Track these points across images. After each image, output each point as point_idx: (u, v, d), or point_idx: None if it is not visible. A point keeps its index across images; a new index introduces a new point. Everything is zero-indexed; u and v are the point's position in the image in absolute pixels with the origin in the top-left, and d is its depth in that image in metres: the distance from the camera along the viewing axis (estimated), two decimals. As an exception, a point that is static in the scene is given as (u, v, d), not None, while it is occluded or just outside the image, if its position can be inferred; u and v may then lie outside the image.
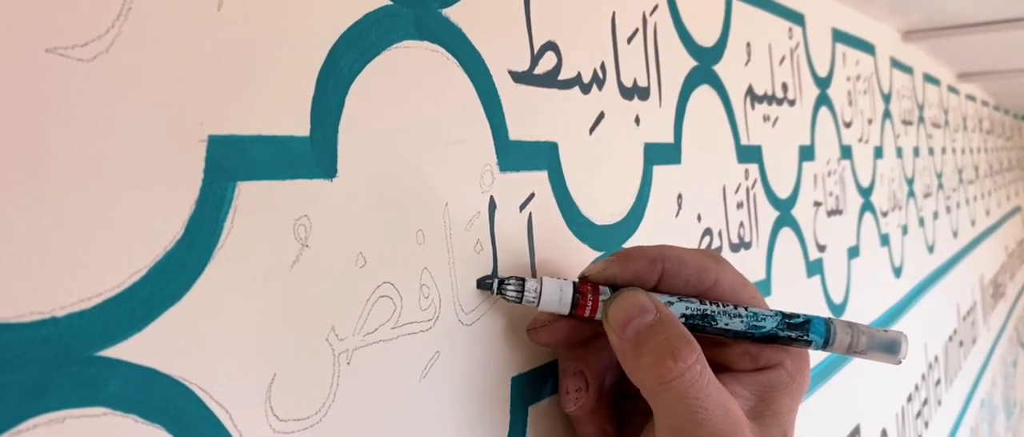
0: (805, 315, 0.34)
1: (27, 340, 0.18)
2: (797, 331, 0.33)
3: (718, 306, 0.32)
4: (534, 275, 0.34)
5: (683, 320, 0.32)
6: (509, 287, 0.31)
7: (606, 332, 0.31)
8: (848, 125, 0.80)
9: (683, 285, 0.32)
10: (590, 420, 0.34)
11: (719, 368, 0.33)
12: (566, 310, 0.31)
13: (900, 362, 0.34)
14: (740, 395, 0.32)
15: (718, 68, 0.53)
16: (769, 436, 0.31)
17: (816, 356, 0.67)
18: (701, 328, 0.32)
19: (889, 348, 0.34)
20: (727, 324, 0.32)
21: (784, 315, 0.33)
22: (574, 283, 0.32)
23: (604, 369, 0.34)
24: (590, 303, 0.31)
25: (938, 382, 1.09)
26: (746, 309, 0.33)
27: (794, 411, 0.33)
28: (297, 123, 0.25)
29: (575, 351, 0.34)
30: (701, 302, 0.32)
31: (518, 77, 0.34)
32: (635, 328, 0.30)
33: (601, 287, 0.32)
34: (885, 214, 0.90)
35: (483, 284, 0.32)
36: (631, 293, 0.31)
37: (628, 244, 0.41)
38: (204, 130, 0.22)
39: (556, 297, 0.31)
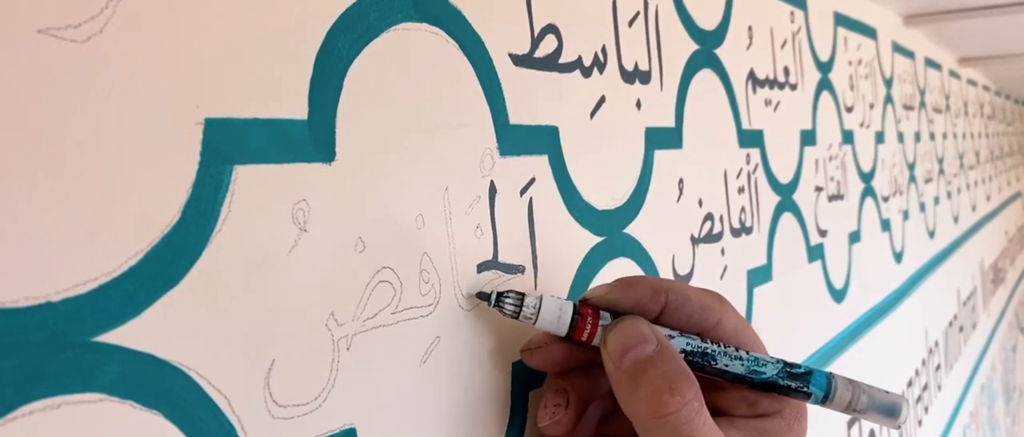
0: (807, 366, 0.32)
1: (22, 325, 0.18)
2: (798, 381, 0.32)
3: (719, 346, 0.31)
4: (535, 264, 0.34)
5: (682, 356, 0.30)
6: (507, 301, 0.30)
7: (603, 360, 0.30)
8: (849, 110, 0.79)
9: (685, 320, 0.31)
10: None
11: (715, 412, 0.31)
12: (563, 332, 0.30)
13: (899, 427, 0.33)
14: None
15: (720, 52, 0.52)
16: None
17: (817, 343, 0.67)
18: (700, 367, 0.31)
19: (889, 411, 0.32)
20: (727, 365, 0.31)
21: (786, 364, 0.32)
22: (574, 305, 0.30)
23: (591, 397, 0.32)
24: (589, 327, 0.30)
25: (938, 367, 1.09)
26: (747, 353, 0.32)
27: None
28: (295, 106, 0.25)
29: (566, 372, 0.32)
30: (702, 340, 0.31)
31: (518, 60, 0.34)
32: (633, 358, 0.29)
33: (602, 312, 0.31)
34: (886, 199, 0.90)
35: (481, 296, 0.30)
36: (632, 321, 0.30)
37: (630, 230, 0.41)
38: (200, 113, 0.22)
39: (554, 316, 0.30)
